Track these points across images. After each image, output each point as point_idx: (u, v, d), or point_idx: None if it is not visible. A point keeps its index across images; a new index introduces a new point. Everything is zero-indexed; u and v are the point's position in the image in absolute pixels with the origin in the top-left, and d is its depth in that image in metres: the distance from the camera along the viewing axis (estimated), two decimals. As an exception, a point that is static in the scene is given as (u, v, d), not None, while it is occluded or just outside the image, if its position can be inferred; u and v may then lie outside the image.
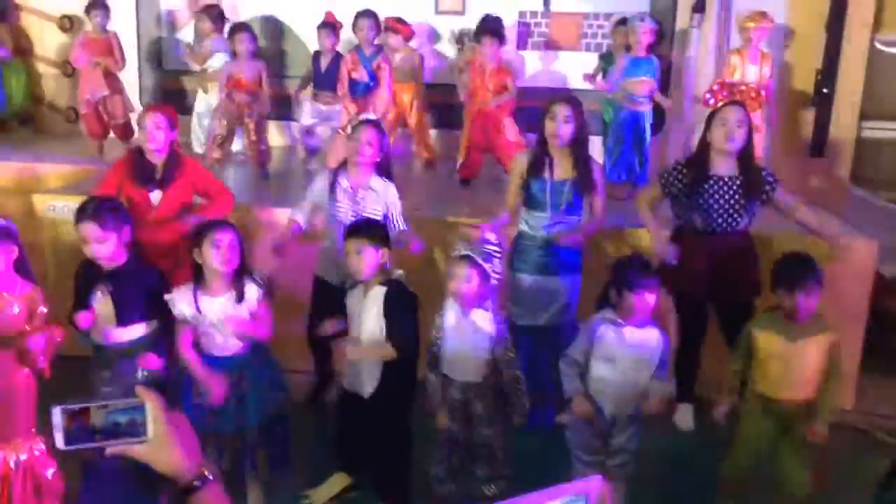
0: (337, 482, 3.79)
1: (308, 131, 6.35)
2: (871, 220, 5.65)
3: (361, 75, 5.85)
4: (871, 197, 6.46)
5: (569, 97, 4.24)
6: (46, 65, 7.22)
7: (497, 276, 3.41)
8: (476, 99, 5.80)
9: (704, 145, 4.15)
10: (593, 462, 3.45)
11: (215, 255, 3.31)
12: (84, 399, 1.34)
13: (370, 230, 3.50)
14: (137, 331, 3.44)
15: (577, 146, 4.08)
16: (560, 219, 4.11)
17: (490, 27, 5.88)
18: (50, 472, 3.34)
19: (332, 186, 4.14)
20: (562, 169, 4.10)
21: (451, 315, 3.44)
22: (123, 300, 3.38)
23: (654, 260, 4.02)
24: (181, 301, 3.38)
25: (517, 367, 3.43)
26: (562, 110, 4.02)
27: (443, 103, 6.59)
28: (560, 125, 4.01)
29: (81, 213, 3.38)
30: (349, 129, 4.41)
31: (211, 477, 1.35)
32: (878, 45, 6.69)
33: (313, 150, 6.35)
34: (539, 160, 4.12)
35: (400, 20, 6.26)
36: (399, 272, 3.51)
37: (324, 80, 6.13)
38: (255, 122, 5.94)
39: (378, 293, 3.42)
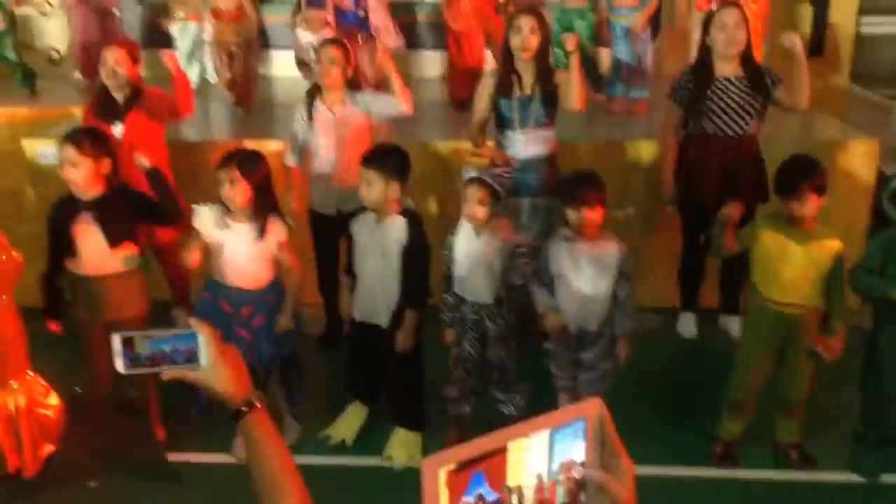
0: (353, 415, 3.82)
1: (302, 63, 6.11)
2: (872, 119, 5.58)
3: (348, 5, 5.67)
4: (871, 95, 6.36)
5: (532, 8, 4.14)
6: (24, 5, 7.01)
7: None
8: (457, 18, 5.69)
9: (705, 49, 4.11)
10: (565, 378, 3.53)
11: (221, 188, 3.36)
12: (143, 328, 1.44)
13: (383, 161, 3.43)
14: (123, 259, 3.45)
15: (540, 57, 4.01)
16: (528, 136, 4.04)
17: None
18: (51, 412, 3.40)
19: (311, 114, 4.11)
20: (527, 84, 4.02)
21: (463, 236, 3.46)
22: (111, 221, 3.39)
23: (664, 194, 4.19)
24: (206, 216, 3.42)
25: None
26: (527, 22, 3.94)
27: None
28: (527, 37, 3.93)
29: (64, 137, 3.43)
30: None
31: (258, 404, 1.43)
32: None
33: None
34: (506, 78, 4.03)
35: None
36: (409, 201, 3.50)
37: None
38: (244, 51, 5.72)
39: (397, 224, 3.42)
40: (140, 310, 3.51)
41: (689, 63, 4.46)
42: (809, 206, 3.26)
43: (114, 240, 3.40)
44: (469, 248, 3.44)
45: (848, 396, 3.76)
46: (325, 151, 4.14)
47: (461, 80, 5.70)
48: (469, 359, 3.57)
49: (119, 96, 4.24)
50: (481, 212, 3.37)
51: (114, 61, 4.17)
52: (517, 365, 3.60)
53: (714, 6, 4.76)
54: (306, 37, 5.94)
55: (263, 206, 3.43)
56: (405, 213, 3.45)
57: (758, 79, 4.06)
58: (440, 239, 3.61)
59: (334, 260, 4.16)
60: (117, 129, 4.20)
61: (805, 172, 3.29)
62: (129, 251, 3.46)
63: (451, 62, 5.92)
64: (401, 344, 3.48)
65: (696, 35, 5.48)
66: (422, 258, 3.44)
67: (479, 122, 4.14)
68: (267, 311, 3.51)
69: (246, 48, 5.76)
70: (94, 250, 3.40)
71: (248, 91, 5.81)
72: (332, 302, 4.41)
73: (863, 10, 6.63)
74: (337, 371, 3.98)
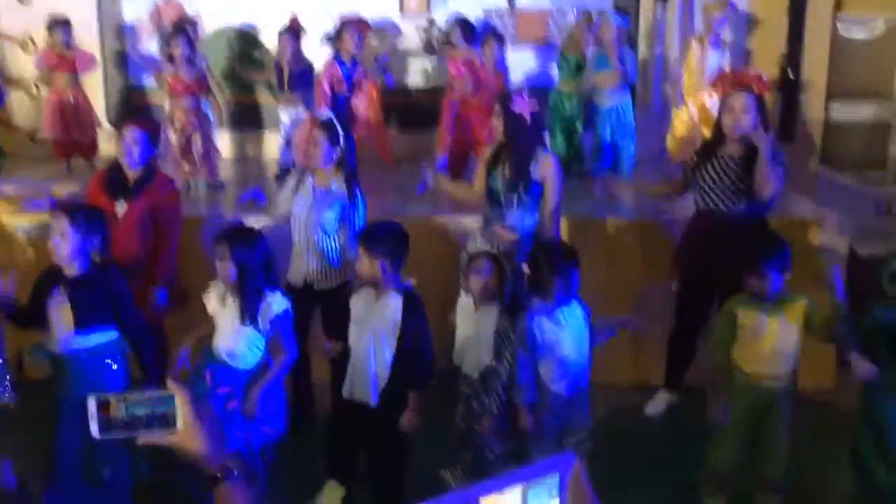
0: (330, 494, 3.74)
1: (289, 141, 6.15)
2: (843, 202, 5.70)
3: (342, 88, 5.81)
4: (841, 178, 6.52)
5: (504, 95, 4.25)
6: (9, 85, 7.11)
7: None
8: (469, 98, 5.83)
9: (718, 130, 4.18)
10: (546, 448, 3.47)
11: (216, 265, 3.38)
12: (116, 391, 1.42)
13: (371, 238, 3.45)
14: (96, 339, 3.38)
15: (511, 144, 4.07)
16: (511, 214, 4.08)
17: (494, 30, 6.08)
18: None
19: (298, 185, 4.15)
20: (509, 167, 4.08)
21: (464, 308, 3.49)
22: (82, 303, 3.33)
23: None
24: (213, 293, 3.49)
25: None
26: (497, 107, 4.08)
27: (405, 104, 6.59)
28: (497, 122, 4.06)
29: (59, 206, 3.42)
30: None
31: (235, 471, 1.41)
32: (840, 29, 6.75)
33: (285, 167, 6.01)
34: (496, 155, 4.13)
35: (360, 20, 6.26)
36: (411, 280, 3.49)
37: (289, 83, 6.14)
38: (202, 130, 5.74)
39: (392, 302, 3.40)
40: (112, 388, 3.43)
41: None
42: (770, 283, 3.36)
43: (82, 322, 3.33)
44: (468, 319, 3.47)
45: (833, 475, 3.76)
46: (296, 224, 4.14)
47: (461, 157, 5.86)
48: (462, 437, 3.55)
49: (130, 175, 4.16)
50: (488, 284, 3.39)
51: (131, 139, 4.10)
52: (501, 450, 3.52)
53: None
54: (285, 116, 6.12)
55: (253, 285, 3.39)
56: (403, 292, 3.42)
57: (752, 158, 4.01)
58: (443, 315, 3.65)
59: (302, 335, 4.02)
60: (121, 207, 4.13)
61: (768, 252, 3.41)
62: (99, 335, 3.39)
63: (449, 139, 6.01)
64: (408, 425, 3.42)
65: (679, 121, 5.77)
66: (418, 339, 3.41)
67: (480, 190, 4.24)
68: (245, 396, 3.44)
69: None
70: (64, 328, 3.33)
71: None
72: (298, 380, 4.31)
73: (831, 97, 6.84)
74: (310, 449, 3.90)
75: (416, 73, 6.90)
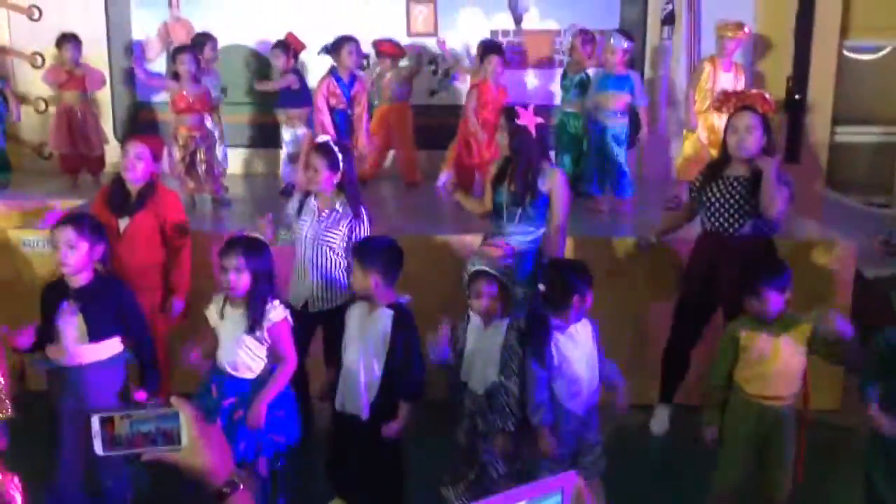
0: None
1: (291, 158, 6.20)
2: (849, 224, 5.69)
3: (341, 103, 5.84)
4: (847, 200, 6.52)
5: (509, 108, 4.24)
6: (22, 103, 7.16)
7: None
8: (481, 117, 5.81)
9: (724, 151, 4.18)
10: (562, 469, 3.42)
11: (224, 276, 3.36)
12: (121, 407, 1.42)
13: (364, 253, 3.45)
14: (104, 350, 3.39)
15: (517, 157, 4.08)
16: (514, 228, 4.10)
17: (497, 46, 6.03)
18: None
19: (301, 206, 4.13)
20: (515, 181, 4.09)
21: (473, 326, 3.46)
22: (92, 313, 3.33)
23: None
24: (213, 304, 3.49)
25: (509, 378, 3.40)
26: (501, 120, 4.13)
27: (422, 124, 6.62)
28: (500, 136, 4.10)
29: (61, 220, 3.40)
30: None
31: (241, 484, 1.41)
32: (846, 52, 6.78)
33: (289, 184, 6.05)
34: (502, 169, 4.16)
35: (391, 42, 6.31)
36: (407, 297, 3.49)
37: (284, 98, 6.20)
38: (205, 147, 5.70)
39: (383, 316, 3.41)
40: (116, 402, 3.41)
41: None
42: (769, 304, 3.34)
43: (95, 333, 3.35)
44: (476, 338, 3.44)
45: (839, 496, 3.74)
46: (300, 246, 4.09)
47: (466, 175, 5.86)
48: (465, 452, 3.51)
49: (132, 190, 4.18)
50: (490, 305, 3.37)
51: (134, 155, 4.12)
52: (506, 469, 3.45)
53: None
54: (287, 134, 6.17)
55: (261, 295, 3.40)
56: (394, 306, 3.43)
57: (758, 180, 3.97)
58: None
59: (302, 356, 3.93)
60: (123, 223, 4.14)
61: (765, 273, 3.39)
62: (109, 344, 3.40)
63: (458, 158, 6.01)
64: (389, 431, 3.42)
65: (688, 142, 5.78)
66: (408, 355, 3.41)
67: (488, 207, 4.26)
68: (250, 405, 3.42)
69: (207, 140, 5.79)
70: (75, 339, 3.34)
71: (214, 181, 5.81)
72: (299, 398, 4.28)
73: (837, 120, 6.85)
74: (316, 466, 3.88)
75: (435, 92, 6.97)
